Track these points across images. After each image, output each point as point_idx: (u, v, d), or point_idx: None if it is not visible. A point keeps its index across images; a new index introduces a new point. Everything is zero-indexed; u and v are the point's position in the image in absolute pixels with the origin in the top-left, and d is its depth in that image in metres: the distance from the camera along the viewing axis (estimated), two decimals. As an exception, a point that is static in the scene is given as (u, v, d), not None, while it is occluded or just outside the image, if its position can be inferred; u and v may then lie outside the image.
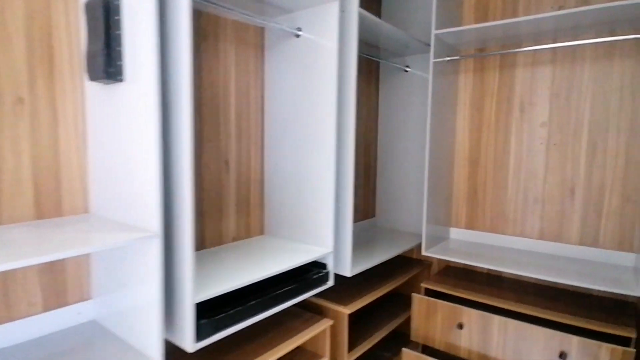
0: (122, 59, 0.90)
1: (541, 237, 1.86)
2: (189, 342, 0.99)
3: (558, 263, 1.70)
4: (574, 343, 1.43)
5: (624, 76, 1.63)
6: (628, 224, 1.65)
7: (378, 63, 2.28)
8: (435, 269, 2.18)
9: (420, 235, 2.12)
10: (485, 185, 2.01)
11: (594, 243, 1.73)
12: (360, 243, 1.97)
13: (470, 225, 2.07)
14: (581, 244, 1.76)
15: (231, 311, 1.09)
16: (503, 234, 1.97)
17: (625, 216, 1.66)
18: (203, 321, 1.02)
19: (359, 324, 1.89)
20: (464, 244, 2.00)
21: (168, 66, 0.95)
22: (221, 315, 1.06)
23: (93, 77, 0.92)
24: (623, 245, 1.67)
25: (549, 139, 1.81)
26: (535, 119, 1.85)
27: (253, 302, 1.15)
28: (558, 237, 1.82)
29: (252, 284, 1.26)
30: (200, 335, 1.01)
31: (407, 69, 2.18)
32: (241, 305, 1.12)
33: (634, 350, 1.34)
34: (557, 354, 1.45)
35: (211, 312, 1.06)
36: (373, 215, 2.35)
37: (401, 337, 2.19)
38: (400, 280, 1.92)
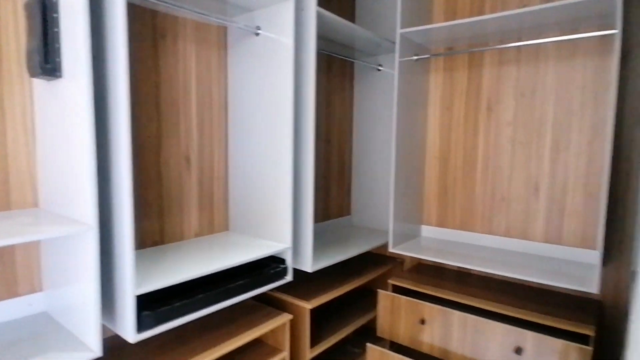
0: (60, 55, 0.93)
1: (508, 234, 1.87)
2: (130, 333, 1.02)
3: (523, 260, 1.71)
4: (529, 339, 1.44)
5: (586, 75, 1.64)
6: (590, 221, 1.66)
7: (352, 63, 2.29)
8: (408, 266, 2.20)
9: (391, 233, 2.12)
10: (455, 184, 2.02)
11: (558, 240, 1.74)
12: (330, 240, 1.98)
13: (441, 223, 2.08)
14: (546, 241, 1.77)
15: (177, 304, 1.11)
16: (472, 231, 1.98)
17: (587, 214, 1.67)
18: (145, 313, 1.04)
19: (328, 319, 1.91)
20: (434, 242, 2.01)
21: (107, 63, 0.97)
22: (165, 308, 1.08)
23: (32, 73, 0.95)
24: (586, 242, 1.68)
25: (515, 138, 1.82)
26: (501, 118, 1.86)
27: (201, 295, 1.17)
28: (524, 235, 1.83)
29: (207, 279, 1.28)
30: (142, 326, 1.04)
31: (380, 68, 2.19)
32: (188, 298, 1.14)
33: (591, 348, 1.34)
34: (513, 349, 1.47)
35: (156, 304, 1.08)
36: (348, 214, 2.37)
37: (372, 333, 2.21)
38: (368, 277, 1.94)
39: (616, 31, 1.32)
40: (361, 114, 2.31)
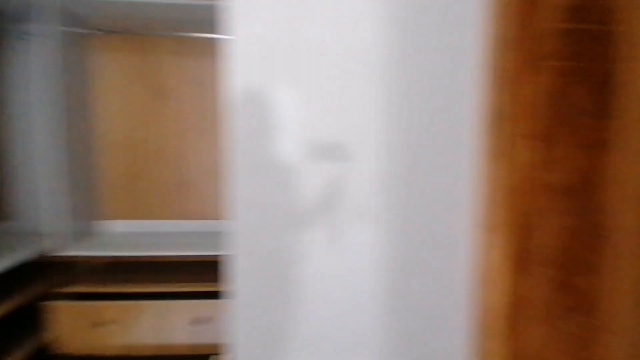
0: None
1: (191, 217, 2.01)
2: None
3: (201, 239, 1.87)
4: (208, 307, 1.60)
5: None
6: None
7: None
8: (99, 267, 1.99)
9: (65, 235, 1.84)
10: (140, 173, 1.98)
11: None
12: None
13: (127, 215, 2.00)
14: (220, 218, 2.00)
15: None
16: (159, 219, 2.01)
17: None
18: None
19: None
20: (119, 236, 1.92)
21: None
22: None
23: None
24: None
25: (194, 125, 1.95)
26: (181, 107, 1.94)
27: None
28: (202, 215, 2.00)
29: None
30: None
31: (27, 38, 1.78)
32: None
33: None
34: (191, 320, 1.61)
35: None
36: (9, 219, 1.90)
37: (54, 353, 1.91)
38: (34, 290, 1.65)
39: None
40: (17, 97, 1.86)
